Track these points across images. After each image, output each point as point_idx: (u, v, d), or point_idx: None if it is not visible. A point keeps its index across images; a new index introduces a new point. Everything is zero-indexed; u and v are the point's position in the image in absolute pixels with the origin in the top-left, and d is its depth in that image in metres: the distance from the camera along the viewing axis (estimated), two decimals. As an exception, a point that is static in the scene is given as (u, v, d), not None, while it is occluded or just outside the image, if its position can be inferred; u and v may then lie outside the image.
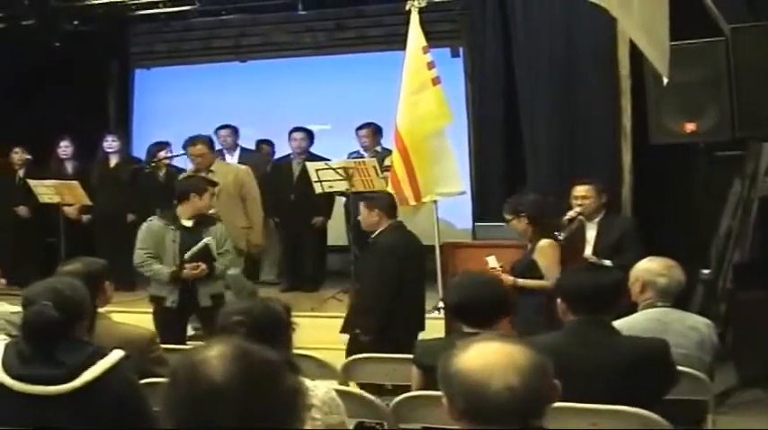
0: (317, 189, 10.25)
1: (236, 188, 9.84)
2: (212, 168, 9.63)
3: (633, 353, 4.58)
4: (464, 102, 11.58)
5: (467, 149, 11.33)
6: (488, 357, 2.69)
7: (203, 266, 8.10)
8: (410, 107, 8.76)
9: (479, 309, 4.81)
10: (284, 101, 13.36)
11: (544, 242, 7.55)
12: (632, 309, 5.59)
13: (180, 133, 11.98)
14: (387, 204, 8.07)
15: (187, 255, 8.14)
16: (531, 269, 7.55)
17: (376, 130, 11.28)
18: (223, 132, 12.00)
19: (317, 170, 10.19)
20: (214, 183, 8.68)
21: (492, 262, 7.78)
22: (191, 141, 9.90)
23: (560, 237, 8.17)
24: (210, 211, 8.50)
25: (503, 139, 10.69)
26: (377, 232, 7.93)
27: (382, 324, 7.60)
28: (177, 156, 11.51)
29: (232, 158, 11.92)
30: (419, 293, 8.04)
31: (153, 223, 8.43)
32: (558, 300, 4.87)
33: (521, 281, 7.49)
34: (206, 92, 13.75)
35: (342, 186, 9.89)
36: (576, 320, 4.74)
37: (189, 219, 8.29)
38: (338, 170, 9.91)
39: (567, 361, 4.13)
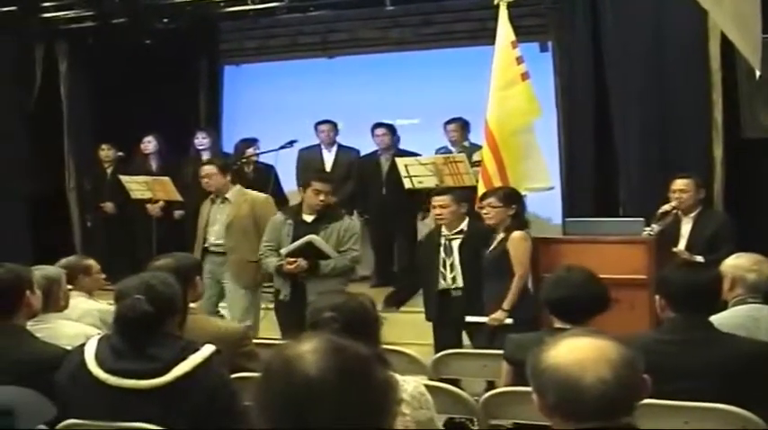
0: (407, 184, 10.22)
1: (252, 219, 9.14)
2: (228, 196, 9.28)
3: (735, 354, 4.48)
4: (553, 97, 11.48)
5: (556, 144, 11.24)
6: (580, 351, 2.69)
7: (300, 262, 8.20)
8: (500, 102, 8.69)
9: (577, 306, 4.78)
10: (372, 96, 13.32)
11: (517, 233, 7.66)
12: (724, 306, 5.52)
13: (269, 129, 12.17)
14: None
15: (283, 251, 8.25)
16: (503, 257, 7.65)
17: (464, 125, 11.23)
18: (323, 127, 12.03)
19: (406, 165, 10.18)
20: (326, 178, 8.86)
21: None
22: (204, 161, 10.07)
23: (652, 231, 8.12)
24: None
25: (592, 134, 10.62)
26: (465, 223, 8.13)
27: None
28: (265, 152, 11.60)
29: (330, 154, 11.99)
30: None
31: (276, 217, 8.66)
32: (657, 297, 4.82)
33: (506, 304, 7.56)
34: (294, 88, 13.75)
35: (431, 182, 9.86)
36: (675, 317, 4.68)
37: (309, 214, 8.41)
38: (427, 165, 9.89)
39: (661, 358, 4.10)
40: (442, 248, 8.12)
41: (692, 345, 4.51)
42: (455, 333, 8.08)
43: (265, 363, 2.44)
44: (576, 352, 2.69)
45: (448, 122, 11.30)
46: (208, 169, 9.39)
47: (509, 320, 7.46)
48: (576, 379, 2.63)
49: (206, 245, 9.34)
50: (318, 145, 12.03)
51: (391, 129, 11.81)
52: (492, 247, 7.77)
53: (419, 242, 9.10)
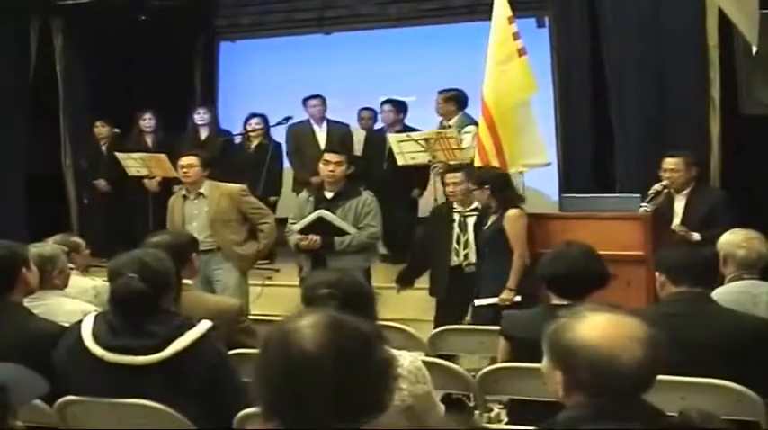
0: (400, 161, 10.16)
1: (233, 210, 8.69)
2: (202, 191, 8.70)
3: (738, 329, 4.52)
4: (550, 73, 11.46)
5: (552, 121, 11.22)
6: (611, 329, 2.76)
7: (314, 238, 8.23)
8: (496, 78, 8.68)
9: (575, 282, 4.76)
10: (369, 72, 13.33)
11: (512, 211, 7.65)
12: (722, 282, 5.53)
13: (265, 106, 12.10)
14: None
15: (296, 227, 8.27)
16: (499, 236, 7.64)
17: (452, 97, 10.80)
18: (312, 102, 11.90)
19: (399, 141, 10.14)
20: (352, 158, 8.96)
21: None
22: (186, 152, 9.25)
23: (646, 210, 8.11)
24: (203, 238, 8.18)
25: (589, 110, 10.58)
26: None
27: None
28: (259, 129, 11.56)
29: (320, 130, 11.86)
30: None
31: (302, 194, 8.78)
32: (657, 274, 4.83)
33: (511, 283, 7.53)
34: (291, 64, 13.74)
35: (424, 158, 9.84)
36: (676, 293, 4.69)
37: (330, 190, 8.42)
38: (419, 141, 9.86)
39: (667, 332, 4.11)
40: (456, 224, 8.19)
41: (697, 319, 4.55)
42: (464, 308, 8.09)
43: (264, 338, 2.44)
44: (606, 329, 2.75)
45: (439, 92, 10.92)
46: (189, 160, 8.79)
47: (518, 298, 7.45)
48: (613, 358, 2.69)
49: None
50: (308, 120, 11.90)
51: (397, 106, 11.72)
52: (487, 225, 7.78)
53: (429, 218, 9.11)
